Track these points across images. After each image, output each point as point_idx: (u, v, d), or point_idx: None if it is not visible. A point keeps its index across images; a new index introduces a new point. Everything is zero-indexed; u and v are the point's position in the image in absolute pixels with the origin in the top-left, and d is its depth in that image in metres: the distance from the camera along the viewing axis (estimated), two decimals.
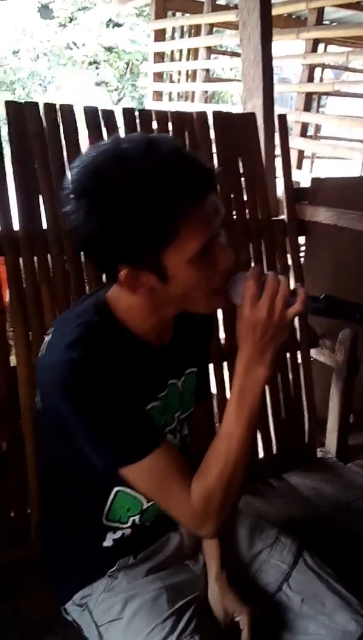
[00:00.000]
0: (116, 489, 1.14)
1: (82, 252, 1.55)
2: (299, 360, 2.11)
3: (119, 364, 1.00)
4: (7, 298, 1.67)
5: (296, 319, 2.08)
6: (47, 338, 1.10)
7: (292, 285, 1.01)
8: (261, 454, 2.04)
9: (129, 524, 1.18)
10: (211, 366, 1.82)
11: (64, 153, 1.64)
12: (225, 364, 1.96)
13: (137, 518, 1.19)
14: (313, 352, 2.20)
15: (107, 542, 1.19)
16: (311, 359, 2.17)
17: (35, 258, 1.60)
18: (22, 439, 1.58)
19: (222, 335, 1.95)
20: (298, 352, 2.11)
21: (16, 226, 1.59)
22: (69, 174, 0.98)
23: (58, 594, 1.26)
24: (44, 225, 1.62)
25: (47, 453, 1.21)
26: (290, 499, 1.90)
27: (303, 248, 2.37)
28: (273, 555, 1.29)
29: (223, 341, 1.94)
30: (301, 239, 2.28)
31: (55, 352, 1.01)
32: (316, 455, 2.16)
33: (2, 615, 1.41)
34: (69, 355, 0.97)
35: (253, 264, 1.99)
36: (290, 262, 2.10)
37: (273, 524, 1.41)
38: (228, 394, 1.90)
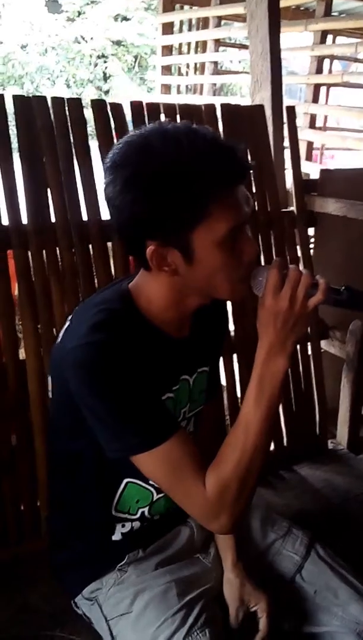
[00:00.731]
0: (126, 480, 1.14)
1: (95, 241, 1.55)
2: (309, 352, 2.11)
3: (139, 350, 1.01)
4: (15, 291, 1.67)
5: None
6: (65, 325, 1.11)
7: (314, 277, 1.01)
8: (271, 446, 2.04)
9: (138, 515, 1.18)
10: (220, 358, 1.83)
11: (72, 147, 1.63)
12: (235, 356, 1.95)
13: (146, 510, 1.19)
14: (323, 344, 2.19)
15: (116, 536, 1.19)
16: (322, 350, 2.16)
17: (44, 252, 1.60)
18: (31, 433, 1.58)
19: (232, 327, 1.94)
20: (309, 343, 2.11)
21: (25, 220, 1.59)
22: (111, 150, 1.01)
23: (68, 588, 1.26)
24: (53, 219, 1.62)
25: (58, 444, 1.21)
26: (301, 491, 1.89)
27: (312, 240, 2.36)
28: (286, 546, 1.29)
29: (232, 333, 1.94)
30: (311, 231, 2.27)
31: (75, 336, 1.01)
32: (327, 447, 2.15)
33: (12, 609, 1.41)
34: (91, 337, 0.98)
35: (262, 256, 1.99)
36: (299, 253, 2.10)
37: (284, 515, 1.41)
38: (238, 386, 1.93)
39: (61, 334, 1.10)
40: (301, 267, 2.07)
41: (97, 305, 1.05)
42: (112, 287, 1.14)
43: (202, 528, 1.27)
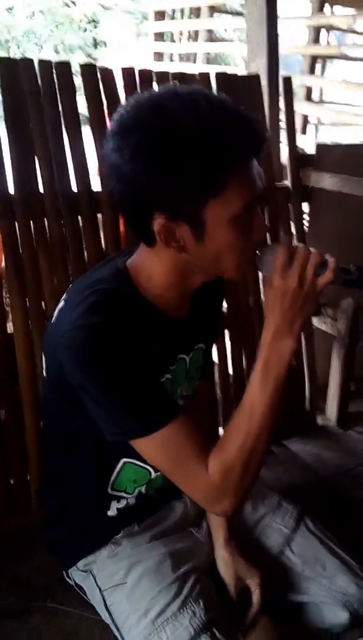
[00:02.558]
0: (123, 460, 1.13)
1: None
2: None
3: (137, 333, 0.97)
4: (2, 264, 1.64)
5: None
6: (59, 305, 1.07)
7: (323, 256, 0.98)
8: None
9: (134, 494, 1.18)
10: None
11: (61, 114, 1.58)
12: (227, 333, 1.94)
13: (143, 488, 1.19)
14: (315, 321, 2.18)
15: (112, 512, 1.19)
16: (313, 327, 2.15)
17: (31, 223, 1.56)
18: (20, 407, 1.57)
19: (224, 304, 1.93)
20: None
21: (11, 189, 1.54)
22: (116, 114, 0.93)
23: (61, 561, 1.27)
24: (41, 189, 1.57)
25: (53, 422, 1.20)
26: (291, 466, 1.90)
27: (307, 216, 2.33)
28: (275, 519, 1.30)
29: (225, 310, 1.92)
30: (305, 207, 2.24)
31: (69, 318, 0.97)
32: (317, 423, 2.16)
33: (4, 581, 1.42)
34: (86, 320, 0.94)
35: None
36: (293, 229, 2.07)
37: (274, 489, 1.43)
38: (229, 364, 1.92)
39: (55, 314, 1.07)
40: (295, 244, 2.06)
41: (92, 285, 1.00)
42: (107, 264, 1.09)
43: (195, 502, 1.28)
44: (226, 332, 1.93)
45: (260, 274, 1.02)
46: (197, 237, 0.95)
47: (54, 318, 1.07)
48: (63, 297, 1.08)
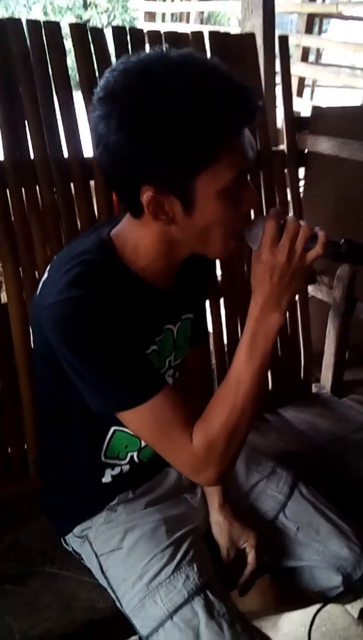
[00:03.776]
0: (113, 428, 1.14)
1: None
2: (296, 297, 2.08)
3: (121, 305, 0.96)
4: None
5: None
6: (43, 277, 1.05)
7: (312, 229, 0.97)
8: None
9: (127, 460, 1.20)
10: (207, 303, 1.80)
11: (51, 76, 1.53)
12: (222, 301, 1.92)
13: (135, 454, 1.20)
14: (310, 289, 2.17)
15: (106, 479, 1.21)
16: (309, 295, 2.14)
17: (23, 190, 1.52)
18: (16, 376, 1.56)
19: (219, 272, 1.91)
20: None
21: (1, 156, 1.50)
22: (103, 78, 0.89)
23: (58, 527, 1.30)
24: (32, 155, 1.53)
25: (44, 392, 1.20)
26: (285, 433, 1.91)
27: (302, 182, 2.30)
28: (269, 486, 1.33)
29: (219, 278, 1.90)
30: (301, 171, 2.20)
31: (53, 290, 0.96)
32: (312, 391, 2.16)
33: (3, 547, 1.44)
34: (70, 292, 0.93)
35: None
36: (289, 195, 2.04)
37: (268, 457, 1.44)
38: (224, 333, 1.91)
39: (39, 286, 1.05)
40: (290, 210, 2.03)
41: (76, 257, 0.99)
42: (92, 234, 1.07)
43: None
44: (221, 301, 1.92)
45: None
46: (186, 210, 0.93)
47: (38, 290, 1.05)
48: (47, 269, 1.06)
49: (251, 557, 1.23)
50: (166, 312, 1.14)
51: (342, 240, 0.98)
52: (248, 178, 0.97)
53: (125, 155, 0.89)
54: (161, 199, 0.92)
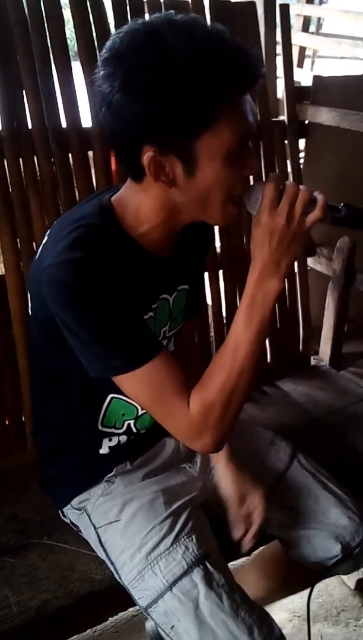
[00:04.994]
0: (110, 395, 1.14)
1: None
2: (295, 269, 2.08)
3: (120, 269, 0.95)
4: None
5: None
6: (43, 241, 1.05)
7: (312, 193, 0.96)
8: None
9: (124, 429, 1.20)
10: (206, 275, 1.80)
11: (49, 46, 1.50)
12: (221, 272, 1.92)
13: (132, 423, 1.20)
14: (309, 261, 2.16)
15: (104, 450, 1.21)
16: (308, 267, 2.13)
17: (20, 161, 1.51)
18: (14, 348, 1.56)
19: (218, 243, 1.90)
20: (295, 260, 2.07)
21: None
22: (110, 39, 0.90)
23: (56, 499, 1.30)
24: (30, 126, 1.51)
25: (40, 361, 1.20)
26: (284, 405, 1.92)
27: (302, 153, 2.27)
28: (269, 455, 1.35)
29: (218, 250, 1.89)
30: (302, 143, 2.18)
31: (52, 253, 0.96)
32: (310, 363, 2.17)
33: (1, 519, 1.45)
34: (69, 255, 0.92)
35: None
36: (289, 167, 2.02)
37: (267, 429, 1.45)
38: (223, 304, 1.91)
39: (39, 250, 1.05)
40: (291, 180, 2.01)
41: (76, 221, 0.98)
42: (92, 200, 1.06)
43: None
44: (220, 273, 1.91)
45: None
46: (188, 172, 0.93)
47: (37, 254, 1.05)
48: (47, 233, 1.06)
49: (260, 509, 1.23)
50: (162, 282, 1.13)
51: (341, 204, 0.98)
52: (250, 145, 0.97)
53: (127, 114, 0.89)
54: (162, 159, 0.92)
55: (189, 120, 0.88)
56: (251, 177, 1.03)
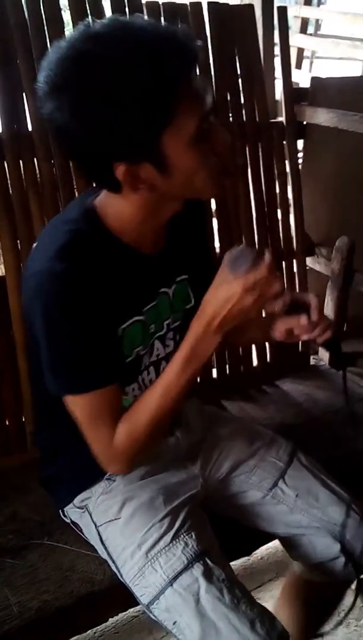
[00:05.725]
0: None
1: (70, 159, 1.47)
2: (294, 269, 2.08)
3: (105, 279, 0.97)
4: None
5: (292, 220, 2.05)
6: (33, 246, 1.07)
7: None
8: (255, 362, 2.06)
9: None
10: None
11: (48, 47, 1.52)
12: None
13: None
14: (308, 261, 2.17)
15: None
16: (307, 267, 2.14)
17: (20, 162, 1.52)
18: (14, 348, 1.57)
19: (217, 244, 1.91)
20: (294, 260, 2.08)
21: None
22: (41, 71, 0.88)
23: (57, 498, 1.30)
24: (30, 127, 1.53)
25: (34, 365, 1.20)
26: (283, 405, 1.92)
27: (301, 154, 2.28)
28: (269, 453, 1.34)
29: (218, 250, 1.90)
30: (300, 143, 2.19)
31: (39, 260, 0.97)
32: (310, 363, 2.17)
33: (2, 519, 1.45)
34: (53, 265, 0.94)
35: (249, 170, 1.92)
36: (287, 167, 2.03)
37: (267, 428, 1.45)
38: None
39: (34, 245, 1.07)
40: (289, 182, 2.02)
41: (63, 225, 1.00)
42: (77, 203, 1.07)
43: (187, 437, 1.31)
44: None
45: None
46: (163, 172, 0.94)
47: (28, 259, 1.07)
48: (38, 238, 1.08)
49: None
50: (159, 276, 1.14)
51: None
52: (212, 119, 0.96)
53: (88, 140, 0.89)
54: (135, 169, 0.93)
55: (146, 127, 0.88)
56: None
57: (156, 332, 1.18)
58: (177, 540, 1.11)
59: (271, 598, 1.82)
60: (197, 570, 1.08)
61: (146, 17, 1.69)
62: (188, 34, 0.89)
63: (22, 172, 1.52)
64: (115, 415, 1.06)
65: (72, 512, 1.28)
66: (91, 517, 1.23)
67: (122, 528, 1.17)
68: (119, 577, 1.18)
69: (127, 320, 1.09)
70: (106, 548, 1.20)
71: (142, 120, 0.87)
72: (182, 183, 0.97)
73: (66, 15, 1.54)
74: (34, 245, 1.07)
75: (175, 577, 1.08)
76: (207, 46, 1.79)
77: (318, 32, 6.50)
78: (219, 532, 1.21)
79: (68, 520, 1.31)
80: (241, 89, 1.88)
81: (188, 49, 0.89)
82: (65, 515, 1.31)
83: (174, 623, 1.07)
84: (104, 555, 1.22)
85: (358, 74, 5.61)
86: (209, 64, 1.80)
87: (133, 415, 1.07)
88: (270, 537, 1.38)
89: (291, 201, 2.03)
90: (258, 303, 0.99)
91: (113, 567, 1.19)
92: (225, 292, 0.98)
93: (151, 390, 1.07)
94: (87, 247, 0.97)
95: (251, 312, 1.00)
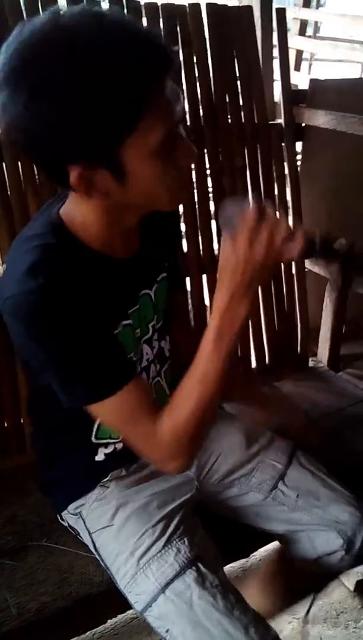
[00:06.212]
0: None
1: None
2: (293, 271, 2.08)
3: (83, 289, 0.92)
4: None
5: (290, 222, 2.03)
6: (5, 264, 1.00)
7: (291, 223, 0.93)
8: (254, 364, 2.06)
9: (119, 438, 1.19)
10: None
11: None
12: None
13: None
14: (307, 263, 2.16)
15: (100, 457, 1.21)
16: (306, 269, 2.14)
17: (19, 163, 1.51)
18: (12, 350, 1.56)
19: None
20: (293, 262, 2.08)
21: None
22: (2, 55, 0.80)
23: (54, 504, 1.30)
24: None
25: (29, 373, 1.20)
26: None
27: (300, 156, 2.28)
28: (269, 455, 1.34)
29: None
30: (298, 145, 2.19)
31: (11, 281, 0.91)
32: (308, 365, 2.18)
33: (1, 520, 1.45)
34: (27, 284, 0.88)
35: (248, 172, 1.92)
36: (286, 169, 2.03)
37: (266, 429, 1.45)
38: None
39: (4, 266, 1.00)
40: (288, 184, 2.02)
41: (29, 240, 0.94)
42: (43, 215, 1.02)
43: None
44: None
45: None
46: (120, 180, 0.88)
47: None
48: (6, 259, 1.01)
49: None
50: (137, 279, 1.10)
51: (317, 236, 0.92)
52: (182, 130, 0.89)
53: (41, 136, 0.82)
54: (90, 174, 0.87)
55: (109, 129, 0.81)
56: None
57: (142, 335, 1.15)
58: (169, 546, 1.10)
59: None
60: (189, 576, 1.07)
61: (144, 18, 1.69)
62: (162, 39, 0.83)
63: (21, 172, 1.52)
64: (149, 407, 0.99)
65: (68, 518, 1.28)
66: (84, 523, 1.22)
67: (115, 534, 1.16)
68: (115, 583, 1.17)
69: (117, 326, 1.06)
70: (99, 555, 1.20)
71: (104, 123, 0.80)
72: (138, 194, 0.91)
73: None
74: (1, 268, 1.00)
75: (167, 584, 1.07)
76: (206, 47, 1.80)
77: (317, 34, 6.51)
78: (216, 533, 1.21)
79: (66, 524, 1.31)
80: (239, 90, 1.88)
81: (163, 55, 0.82)
82: (63, 519, 1.31)
83: (167, 631, 1.07)
84: (100, 561, 1.22)
85: (357, 76, 5.64)
86: (207, 66, 1.80)
87: (174, 408, 0.99)
88: (268, 539, 1.38)
89: (290, 203, 2.04)
90: (270, 252, 0.89)
91: (108, 573, 1.19)
92: (233, 258, 0.91)
93: (188, 379, 0.98)
94: (58, 261, 0.91)
95: (268, 263, 0.90)
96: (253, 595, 1.37)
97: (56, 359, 0.94)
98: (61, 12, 0.80)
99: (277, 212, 0.93)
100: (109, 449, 1.20)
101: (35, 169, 1.54)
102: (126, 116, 0.81)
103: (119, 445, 1.21)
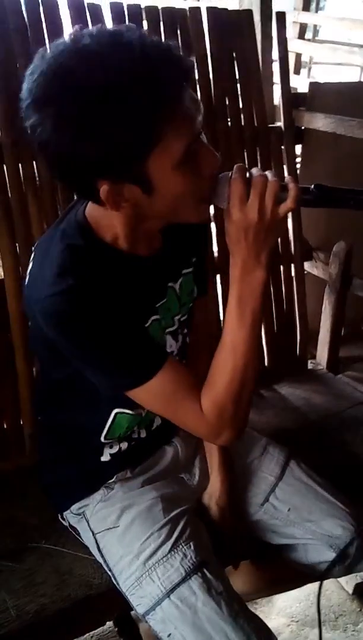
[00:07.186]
0: (115, 411, 1.14)
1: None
2: (292, 273, 2.09)
3: (112, 287, 0.95)
4: None
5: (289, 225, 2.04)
6: (29, 266, 1.04)
7: (283, 179, 0.94)
8: None
9: (126, 437, 1.20)
10: None
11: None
12: (218, 277, 1.92)
13: (135, 429, 1.20)
14: (306, 265, 2.17)
15: (105, 457, 1.21)
16: (305, 272, 2.14)
17: (20, 166, 1.52)
18: (12, 351, 1.57)
19: (215, 248, 1.91)
20: (292, 265, 2.09)
21: None
22: (25, 82, 0.85)
23: (56, 504, 1.30)
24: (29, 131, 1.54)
25: (43, 371, 1.20)
26: (281, 409, 1.92)
27: (299, 159, 2.29)
28: (261, 467, 1.33)
29: (216, 254, 1.90)
30: (298, 148, 2.20)
31: (41, 282, 0.95)
32: (307, 367, 2.18)
33: (0, 522, 1.45)
34: (60, 285, 0.92)
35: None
36: (285, 172, 2.04)
37: (263, 433, 1.45)
38: (221, 309, 1.91)
39: (27, 276, 1.04)
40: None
41: (59, 241, 0.98)
42: (68, 216, 1.04)
43: (186, 447, 1.31)
44: (217, 277, 1.92)
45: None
46: (147, 192, 0.91)
47: (26, 280, 1.04)
48: (31, 257, 1.05)
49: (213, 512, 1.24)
50: (163, 273, 1.12)
51: (312, 186, 0.95)
52: (203, 138, 0.92)
53: (70, 157, 0.86)
54: (118, 189, 0.90)
55: (133, 147, 0.85)
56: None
57: (166, 327, 1.16)
58: (176, 550, 1.10)
59: (267, 603, 1.83)
60: (195, 582, 1.07)
61: (145, 21, 1.70)
62: (178, 51, 0.85)
63: (21, 175, 1.52)
64: (189, 386, 1.02)
65: (70, 517, 1.28)
66: (88, 524, 1.22)
67: (120, 536, 1.16)
68: (116, 585, 1.17)
69: (146, 320, 1.09)
70: (102, 556, 1.20)
71: (128, 141, 0.84)
72: (166, 206, 0.94)
73: (66, 21, 1.54)
74: (30, 266, 1.04)
75: (173, 589, 1.07)
76: (206, 51, 1.81)
77: (316, 38, 6.52)
78: (214, 539, 1.21)
79: (66, 524, 1.31)
80: (239, 93, 1.89)
81: (180, 68, 0.85)
82: (63, 519, 1.31)
83: (168, 635, 1.07)
84: (101, 562, 1.22)
85: (356, 79, 5.65)
86: (208, 69, 1.81)
87: (211, 383, 1.01)
88: (264, 547, 1.37)
89: None
90: (265, 213, 0.91)
91: (109, 574, 1.19)
92: (232, 228, 0.93)
93: (219, 352, 1.01)
94: (87, 262, 0.96)
95: (270, 223, 0.92)
96: (238, 576, 1.37)
97: (93, 354, 0.97)
98: (80, 34, 0.84)
99: (267, 172, 0.94)
100: (115, 449, 1.21)
101: (35, 169, 1.54)
102: (148, 133, 0.84)
103: (124, 445, 1.21)
